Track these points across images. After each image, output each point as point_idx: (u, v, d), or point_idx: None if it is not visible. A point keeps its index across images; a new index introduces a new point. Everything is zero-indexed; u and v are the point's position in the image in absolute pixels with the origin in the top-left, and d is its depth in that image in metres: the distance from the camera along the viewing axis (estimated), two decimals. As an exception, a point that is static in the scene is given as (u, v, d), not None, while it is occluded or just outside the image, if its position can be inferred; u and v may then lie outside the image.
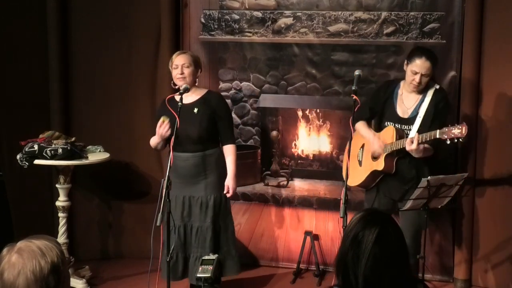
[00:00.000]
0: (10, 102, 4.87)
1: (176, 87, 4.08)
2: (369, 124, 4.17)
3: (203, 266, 3.05)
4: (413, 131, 3.87)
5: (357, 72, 3.88)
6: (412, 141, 3.72)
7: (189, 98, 4.08)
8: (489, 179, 4.47)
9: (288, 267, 4.96)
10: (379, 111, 4.09)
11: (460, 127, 3.59)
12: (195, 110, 4.04)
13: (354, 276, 1.93)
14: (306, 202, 4.97)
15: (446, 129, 3.63)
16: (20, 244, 1.79)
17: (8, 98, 4.86)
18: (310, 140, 4.95)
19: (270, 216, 5.05)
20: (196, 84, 4.17)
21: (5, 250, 1.79)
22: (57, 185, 4.54)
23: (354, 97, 3.71)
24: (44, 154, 4.28)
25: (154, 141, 4.10)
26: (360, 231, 1.95)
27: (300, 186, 4.98)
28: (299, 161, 4.98)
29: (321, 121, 4.87)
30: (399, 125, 3.94)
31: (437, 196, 3.97)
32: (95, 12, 5.02)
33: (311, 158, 4.97)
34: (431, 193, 3.89)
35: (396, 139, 3.84)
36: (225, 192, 4.10)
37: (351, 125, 3.69)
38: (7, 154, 4.79)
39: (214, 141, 4.13)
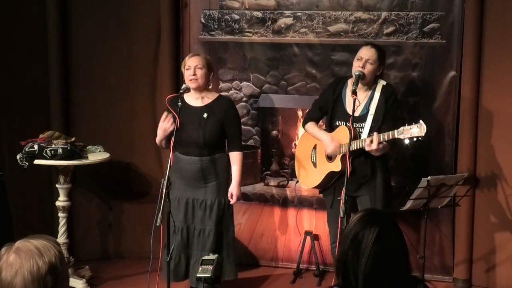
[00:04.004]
0: (10, 102, 4.87)
1: (181, 90, 4.07)
2: (317, 124, 4.18)
3: (203, 266, 3.04)
4: (366, 129, 3.85)
5: (357, 72, 3.89)
6: (372, 142, 3.68)
7: (200, 101, 4.08)
8: (489, 179, 4.47)
9: (288, 267, 4.96)
10: (329, 111, 4.06)
11: (418, 126, 3.53)
12: (205, 115, 4.03)
13: (354, 275, 1.93)
14: (306, 202, 4.96)
15: (404, 129, 3.58)
16: (18, 243, 1.78)
17: (8, 98, 4.86)
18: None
19: (270, 216, 5.05)
20: (210, 87, 4.15)
21: (3, 250, 1.79)
22: (57, 185, 4.53)
23: (354, 97, 3.71)
24: (44, 154, 4.28)
25: (158, 138, 4.10)
26: (360, 231, 1.95)
27: (300, 186, 4.98)
28: (299, 161, 4.98)
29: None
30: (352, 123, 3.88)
31: (437, 196, 3.97)
32: (95, 12, 5.02)
33: (311, 158, 4.97)
34: (431, 193, 3.90)
35: (351, 139, 3.73)
36: (229, 198, 4.10)
37: (350, 124, 3.68)
38: (7, 154, 4.79)
39: (221, 146, 4.13)
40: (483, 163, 4.48)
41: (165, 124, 3.94)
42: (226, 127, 4.08)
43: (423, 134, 3.52)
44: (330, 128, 4.06)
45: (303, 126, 4.22)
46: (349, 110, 3.88)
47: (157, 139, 4.11)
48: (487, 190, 4.48)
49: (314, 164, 4.18)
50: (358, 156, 3.89)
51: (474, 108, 4.46)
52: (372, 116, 3.87)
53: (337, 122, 4.00)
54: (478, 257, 4.58)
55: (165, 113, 3.96)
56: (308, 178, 4.24)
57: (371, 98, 3.93)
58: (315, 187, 4.22)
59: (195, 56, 4.12)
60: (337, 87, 4.06)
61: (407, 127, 3.58)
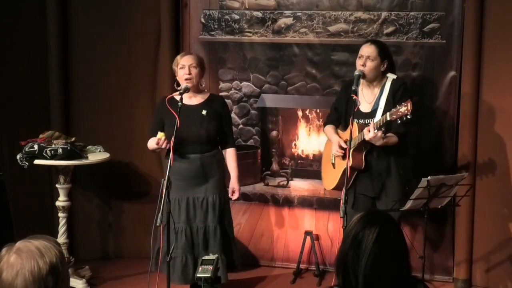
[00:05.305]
0: (10, 102, 4.87)
1: (180, 90, 4.07)
2: (337, 126, 4.23)
3: (203, 266, 3.05)
4: None
5: (357, 72, 3.91)
6: (369, 130, 3.76)
7: (195, 100, 4.11)
8: (489, 179, 4.47)
9: (288, 267, 4.96)
10: (344, 111, 4.13)
11: (405, 104, 3.64)
12: (204, 112, 4.06)
13: (354, 276, 1.93)
14: (306, 202, 4.96)
15: (394, 110, 3.69)
16: (19, 244, 1.78)
17: (8, 98, 4.86)
18: (310, 140, 4.94)
19: (270, 216, 5.05)
20: (202, 86, 4.18)
21: (4, 250, 1.78)
22: (57, 185, 4.53)
23: (354, 97, 3.72)
24: (44, 154, 4.28)
25: (151, 147, 4.10)
26: (360, 231, 1.94)
27: (300, 186, 4.98)
28: (299, 161, 4.98)
29: (321, 121, 4.86)
30: (363, 120, 3.97)
31: (437, 196, 3.97)
32: (95, 12, 5.02)
33: (311, 158, 4.97)
34: (431, 193, 3.90)
35: (351, 137, 3.80)
36: (230, 195, 4.15)
37: (351, 124, 3.69)
38: (7, 154, 4.79)
39: (217, 142, 4.17)
40: (483, 163, 4.47)
41: (161, 146, 3.93)
42: (223, 123, 4.13)
43: (410, 111, 3.61)
44: (346, 127, 4.12)
45: (324, 129, 4.34)
46: (362, 108, 3.99)
47: (151, 147, 4.12)
48: (487, 190, 4.48)
49: (333, 165, 4.23)
50: (370, 151, 3.95)
51: (474, 108, 4.46)
52: (381, 110, 3.93)
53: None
54: (478, 257, 4.58)
55: (158, 136, 3.92)
56: (329, 179, 4.29)
57: (380, 94, 4.00)
58: (335, 188, 4.24)
59: (189, 55, 4.14)
60: (348, 88, 4.10)
61: (396, 108, 3.69)
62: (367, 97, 4.03)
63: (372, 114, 3.97)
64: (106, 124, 5.08)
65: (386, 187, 4.00)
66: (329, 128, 4.24)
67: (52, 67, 4.97)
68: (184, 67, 4.03)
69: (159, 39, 4.97)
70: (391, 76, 4.03)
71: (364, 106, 4.03)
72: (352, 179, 4.04)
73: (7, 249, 1.78)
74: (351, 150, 3.95)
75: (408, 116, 3.63)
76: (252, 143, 5.03)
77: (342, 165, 4.09)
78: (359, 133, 3.88)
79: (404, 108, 3.63)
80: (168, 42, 4.92)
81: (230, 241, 4.16)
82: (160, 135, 3.94)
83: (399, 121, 3.69)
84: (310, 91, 4.86)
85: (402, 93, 3.97)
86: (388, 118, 3.71)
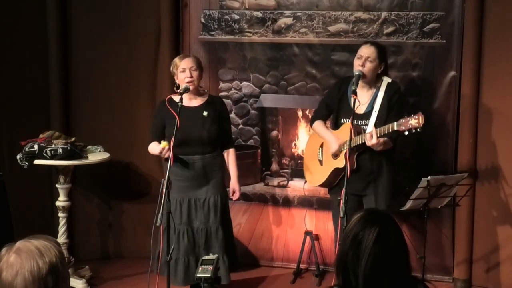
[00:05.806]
0: (10, 102, 4.87)
1: (180, 90, 4.06)
2: (325, 122, 4.21)
3: (203, 266, 3.05)
4: (370, 126, 3.88)
5: (357, 72, 3.90)
6: (372, 136, 3.73)
7: (195, 101, 4.12)
8: (489, 179, 4.47)
9: (288, 267, 4.96)
10: (335, 109, 4.11)
11: (416, 117, 3.59)
12: (205, 113, 4.07)
13: (354, 275, 1.93)
14: (306, 202, 4.96)
15: (403, 120, 3.64)
16: (19, 244, 1.78)
17: (8, 98, 4.86)
18: (310, 140, 4.94)
19: (270, 216, 5.05)
20: (202, 87, 4.21)
21: (3, 250, 1.79)
22: (57, 185, 4.54)
23: (354, 97, 3.71)
24: (44, 154, 4.28)
25: (153, 152, 4.09)
26: (360, 231, 1.94)
27: (300, 186, 4.98)
28: (299, 161, 4.98)
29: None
30: (356, 121, 3.93)
31: (437, 196, 3.97)
32: (95, 12, 5.02)
33: (311, 158, 4.96)
34: (431, 193, 3.90)
35: (354, 135, 3.81)
36: (231, 195, 4.18)
37: (351, 123, 3.68)
38: (7, 154, 4.79)
39: (218, 143, 4.17)
40: (483, 163, 4.48)
41: (164, 155, 3.89)
42: (223, 123, 4.15)
43: (421, 125, 3.57)
44: (336, 126, 4.12)
45: (311, 125, 4.29)
46: (356, 109, 3.93)
47: (152, 152, 4.11)
48: (487, 190, 4.48)
49: (321, 162, 4.21)
50: (363, 152, 3.93)
51: (474, 108, 4.46)
52: (376, 113, 3.91)
53: (342, 119, 4.04)
54: (478, 257, 4.59)
55: (162, 145, 3.86)
56: (315, 176, 4.27)
57: (375, 96, 3.97)
58: (321, 185, 4.24)
59: (188, 57, 4.15)
60: (342, 86, 4.11)
61: (406, 118, 3.63)
62: (361, 98, 3.98)
63: (366, 115, 3.95)
64: (106, 124, 5.08)
65: (376, 186, 3.98)
66: (319, 124, 4.19)
67: (52, 67, 4.97)
68: (185, 70, 4.04)
69: (159, 39, 4.98)
70: (386, 79, 4.01)
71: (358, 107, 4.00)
72: (339, 178, 4.04)
73: (7, 249, 1.78)
74: (344, 151, 3.95)
75: (419, 130, 3.59)
76: (252, 143, 5.03)
77: (331, 164, 4.07)
78: (354, 132, 3.84)
79: (415, 121, 3.57)
80: (168, 42, 4.92)
81: (231, 242, 4.17)
82: (164, 144, 3.88)
83: (407, 133, 3.63)
84: (310, 91, 4.86)
85: (398, 98, 3.96)
86: (396, 128, 3.66)
